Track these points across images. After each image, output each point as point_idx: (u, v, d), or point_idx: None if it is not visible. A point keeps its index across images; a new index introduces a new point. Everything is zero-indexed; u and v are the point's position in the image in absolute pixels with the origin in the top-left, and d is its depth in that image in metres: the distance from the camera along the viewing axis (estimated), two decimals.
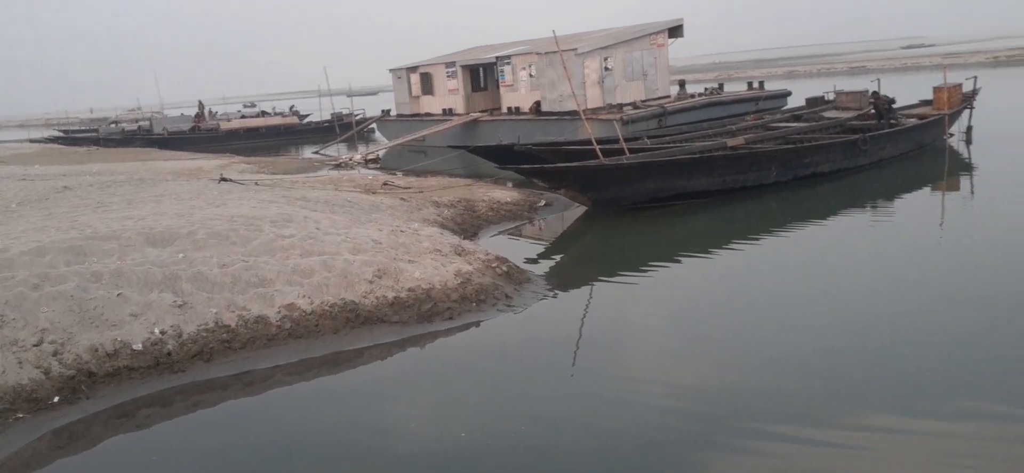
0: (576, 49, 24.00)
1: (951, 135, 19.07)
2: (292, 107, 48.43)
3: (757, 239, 11.80)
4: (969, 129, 19.57)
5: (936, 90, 19.31)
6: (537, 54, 25.72)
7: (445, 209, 13.75)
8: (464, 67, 29.54)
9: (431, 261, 9.32)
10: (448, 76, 29.95)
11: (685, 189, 13.97)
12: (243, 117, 45.84)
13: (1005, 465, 5.03)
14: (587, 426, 6.00)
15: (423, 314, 8.34)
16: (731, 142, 15.46)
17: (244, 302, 7.99)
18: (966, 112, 19.73)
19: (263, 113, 47.92)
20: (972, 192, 14.59)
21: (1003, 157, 16.85)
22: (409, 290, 8.58)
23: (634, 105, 24.29)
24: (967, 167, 16.73)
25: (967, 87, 20.07)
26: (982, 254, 9.88)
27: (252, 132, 42.02)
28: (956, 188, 15.18)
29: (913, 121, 18.09)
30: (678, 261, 11.01)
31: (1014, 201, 12.94)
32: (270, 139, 40.84)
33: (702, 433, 5.72)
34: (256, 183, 16.26)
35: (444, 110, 29.90)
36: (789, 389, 6.36)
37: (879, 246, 11.07)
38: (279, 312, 7.95)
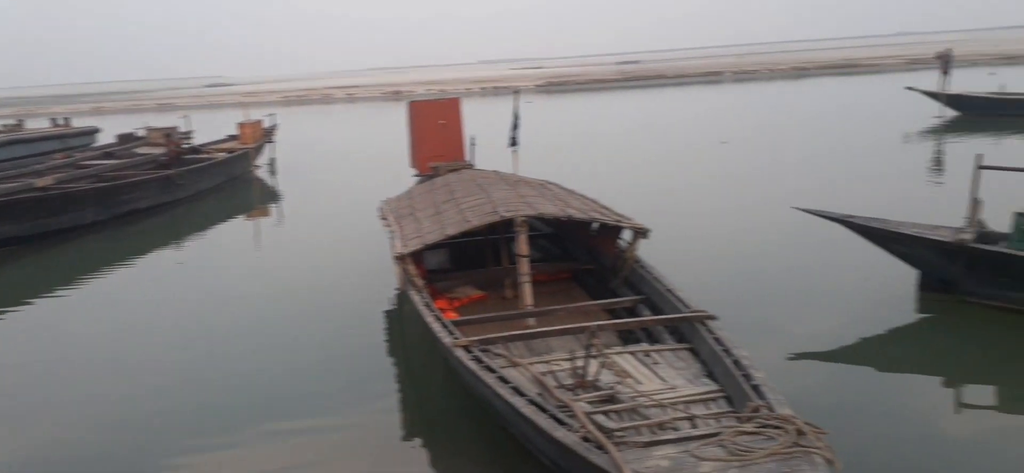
0: None
1: (258, 167, 21.08)
2: None
3: (79, 284, 11.20)
4: (272, 160, 21.94)
5: (241, 126, 21.17)
6: None
7: None
8: None
9: None
10: None
11: None
12: None
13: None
14: None
15: None
16: (40, 182, 14.30)
17: None
18: (268, 145, 22.09)
19: None
20: (281, 216, 16.50)
21: (302, 183, 19.43)
22: None
23: None
24: (274, 195, 18.77)
25: (268, 123, 22.46)
26: (296, 273, 11.27)
27: None
28: (267, 214, 16.94)
29: (223, 155, 19.40)
30: None
31: (315, 221, 15.13)
32: None
33: None
34: None
35: None
36: (122, 438, 6.26)
37: (201, 275, 11.62)
38: None
